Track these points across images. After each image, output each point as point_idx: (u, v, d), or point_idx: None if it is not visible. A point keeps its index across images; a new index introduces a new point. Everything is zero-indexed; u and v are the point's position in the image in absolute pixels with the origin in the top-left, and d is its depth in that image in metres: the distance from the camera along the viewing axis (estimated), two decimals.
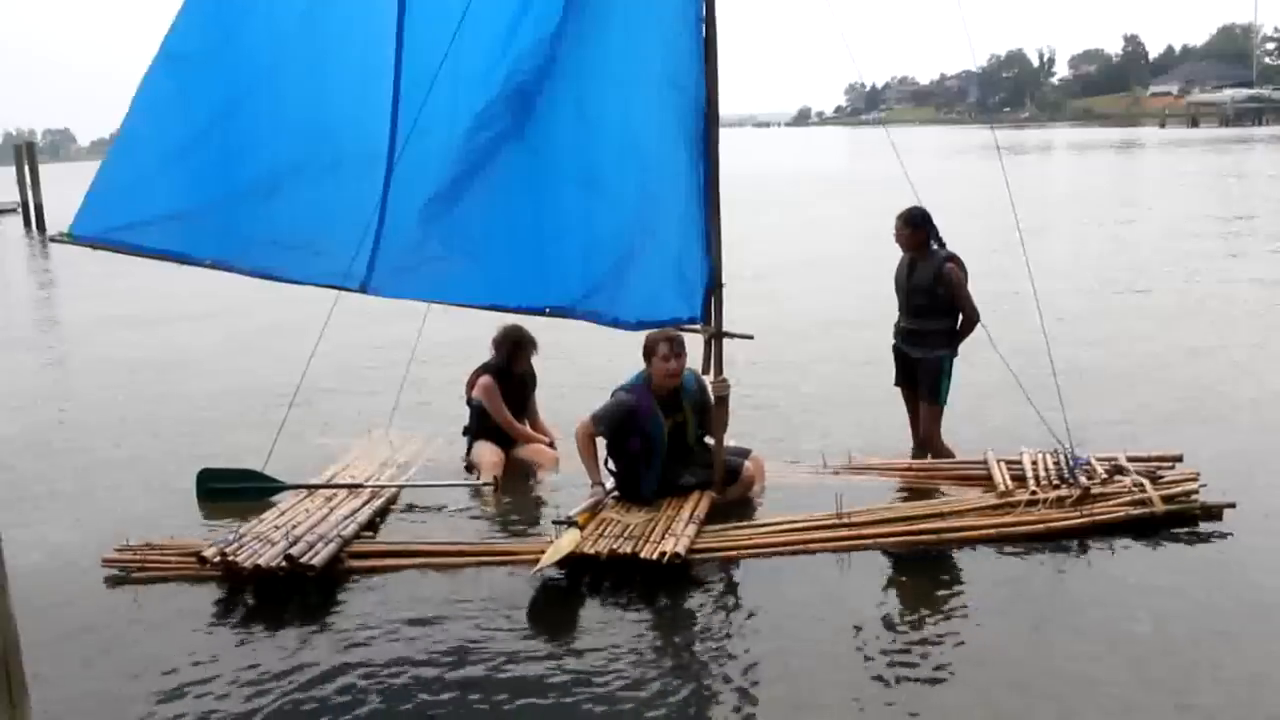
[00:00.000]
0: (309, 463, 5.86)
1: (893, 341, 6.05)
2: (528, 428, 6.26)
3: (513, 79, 4.85)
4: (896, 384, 6.11)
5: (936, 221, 5.82)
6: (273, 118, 4.87)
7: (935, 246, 5.77)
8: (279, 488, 5.47)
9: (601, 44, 4.87)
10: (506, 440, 6.10)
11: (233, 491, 5.47)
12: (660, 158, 4.98)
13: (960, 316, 5.73)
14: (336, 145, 4.93)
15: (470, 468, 6.05)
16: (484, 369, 6.15)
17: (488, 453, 6.01)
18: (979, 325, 5.70)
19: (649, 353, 5.15)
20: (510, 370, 6.12)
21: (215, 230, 4.89)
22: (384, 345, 8.16)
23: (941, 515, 4.86)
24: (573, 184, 4.99)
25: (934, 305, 5.71)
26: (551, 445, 6.19)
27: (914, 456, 5.89)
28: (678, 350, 5.11)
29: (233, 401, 7.68)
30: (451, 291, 5.14)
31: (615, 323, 5.11)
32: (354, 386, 7.75)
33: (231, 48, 4.80)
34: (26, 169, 29.05)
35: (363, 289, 4.95)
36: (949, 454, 5.81)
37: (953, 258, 5.73)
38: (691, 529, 4.71)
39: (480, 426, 6.14)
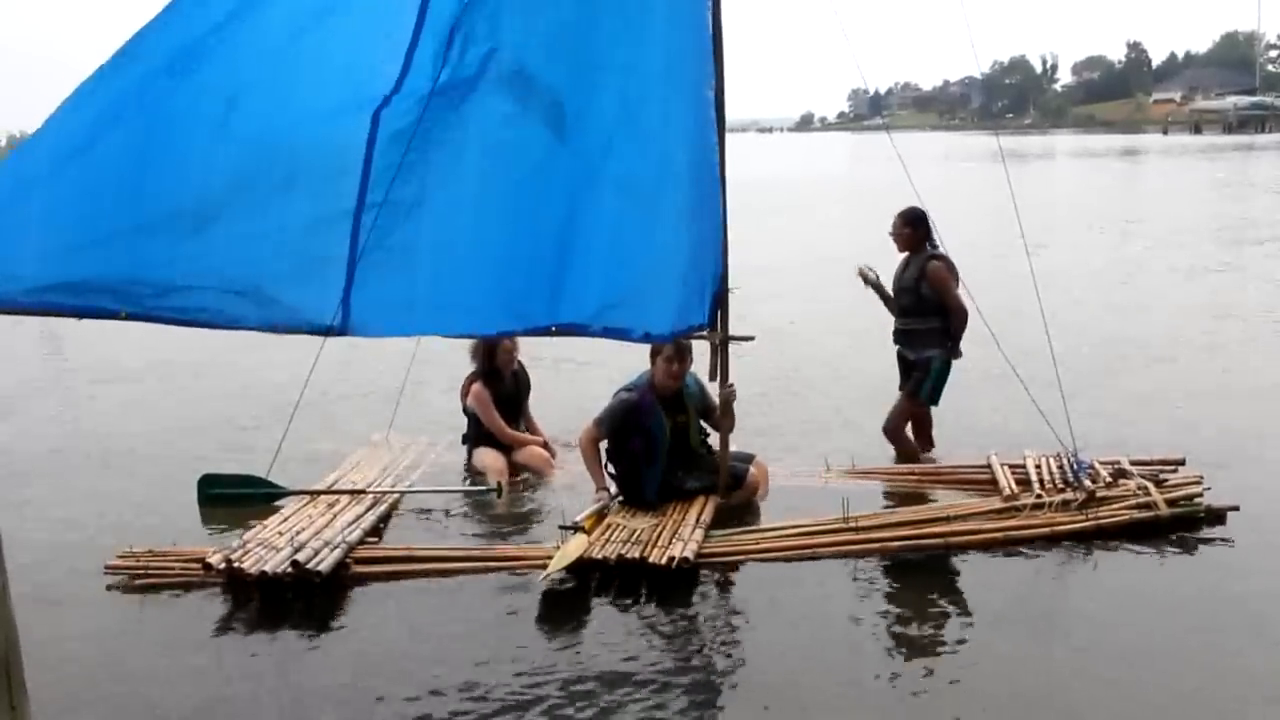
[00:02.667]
0: (310, 469, 5.88)
1: (895, 346, 6.12)
2: (524, 432, 6.29)
3: (510, 80, 4.46)
4: (901, 388, 6.16)
5: (944, 229, 5.90)
6: (213, 129, 4.16)
7: (928, 247, 5.85)
8: (281, 493, 5.49)
9: (645, 41, 4.60)
10: (504, 445, 6.14)
11: (234, 497, 5.49)
12: (694, 161, 4.75)
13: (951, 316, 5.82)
14: (292, 159, 4.26)
15: (474, 475, 6.09)
16: (474, 376, 6.20)
17: (490, 458, 6.06)
18: (985, 326, 5.75)
19: (653, 353, 5.20)
20: (498, 371, 6.15)
21: (119, 276, 4.07)
22: (379, 350, 8.15)
23: (948, 519, 4.92)
24: (612, 188, 4.65)
25: (920, 304, 5.81)
26: (546, 447, 6.22)
27: (922, 458, 6.00)
28: (681, 354, 5.16)
29: (234, 407, 7.69)
30: (450, 321, 4.67)
31: (646, 337, 4.88)
32: (352, 392, 7.75)
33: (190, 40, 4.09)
34: None
35: (342, 331, 4.36)
36: (913, 450, 5.95)
37: (939, 256, 5.83)
38: (699, 533, 4.76)
39: (478, 433, 6.21)
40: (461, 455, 6.31)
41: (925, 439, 6.10)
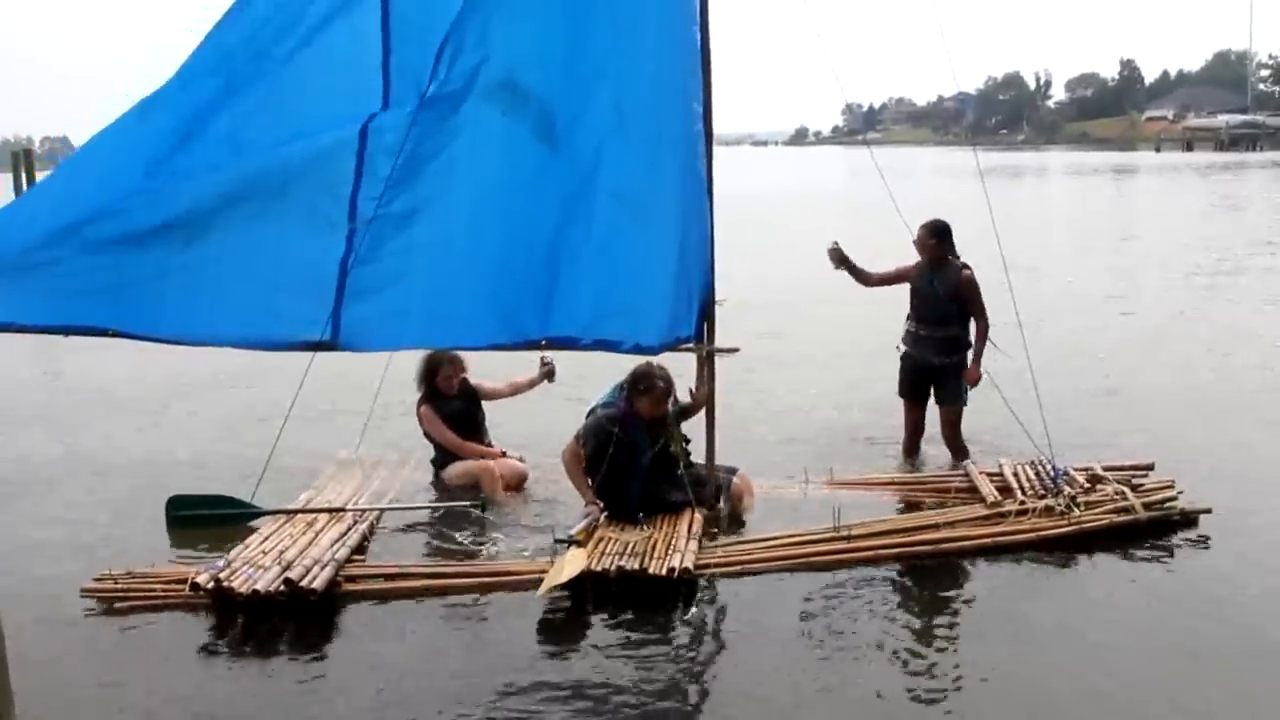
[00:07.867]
0: (280, 488, 5.77)
1: (904, 350, 6.36)
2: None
3: (506, 85, 4.55)
4: (902, 394, 6.41)
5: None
6: (205, 146, 4.29)
7: (950, 257, 6.19)
8: (256, 513, 5.46)
9: (636, 52, 4.68)
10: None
11: (205, 519, 5.47)
12: (683, 172, 4.83)
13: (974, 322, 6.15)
14: (284, 174, 4.35)
15: (452, 490, 6.12)
16: (420, 399, 6.34)
17: (466, 468, 6.15)
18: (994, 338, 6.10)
19: (633, 387, 5.25)
20: (440, 392, 6.28)
21: (107, 292, 4.19)
22: (345, 368, 8.12)
23: (936, 527, 5.12)
24: (603, 198, 4.71)
25: (948, 313, 6.17)
26: (504, 455, 6.31)
27: (905, 465, 6.29)
28: (669, 393, 5.29)
29: (204, 428, 7.70)
30: (441, 334, 4.73)
31: (637, 348, 4.94)
32: (318, 411, 7.67)
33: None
34: (24, 176, 28.96)
35: (332, 345, 4.40)
36: (967, 450, 6.20)
37: (968, 267, 6.19)
38: (694, 545, 4.90)
39: (442, 453, 6.32)
40: (432, 474, 6.35)
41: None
